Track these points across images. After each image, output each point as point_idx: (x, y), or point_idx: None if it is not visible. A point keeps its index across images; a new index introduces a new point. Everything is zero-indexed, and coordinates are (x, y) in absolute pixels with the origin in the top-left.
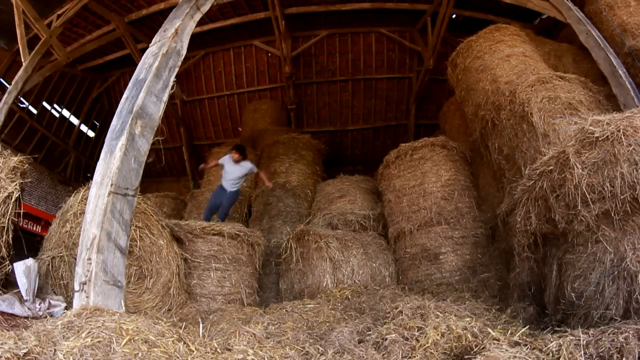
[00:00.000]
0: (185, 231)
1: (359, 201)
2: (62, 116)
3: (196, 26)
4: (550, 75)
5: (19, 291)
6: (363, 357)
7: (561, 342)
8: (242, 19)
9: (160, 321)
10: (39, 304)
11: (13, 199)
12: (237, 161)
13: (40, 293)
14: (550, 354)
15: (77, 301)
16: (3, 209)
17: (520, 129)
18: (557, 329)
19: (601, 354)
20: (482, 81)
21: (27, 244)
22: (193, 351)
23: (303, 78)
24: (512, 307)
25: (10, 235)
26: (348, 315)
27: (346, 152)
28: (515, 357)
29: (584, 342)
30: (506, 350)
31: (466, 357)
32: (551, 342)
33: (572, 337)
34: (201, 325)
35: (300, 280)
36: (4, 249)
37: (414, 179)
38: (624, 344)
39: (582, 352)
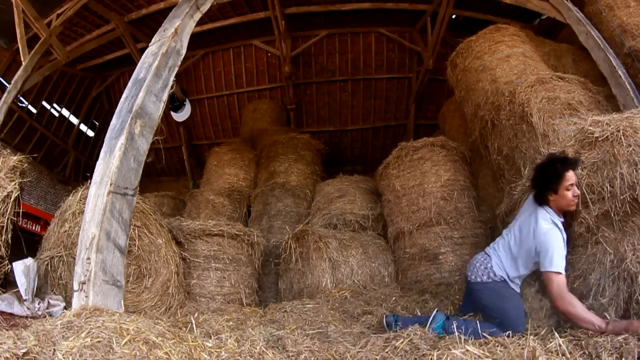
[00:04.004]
0: (184, 233)
1: (359, 201)
2: (61, 115)
3: (196, 26)
4: (549, 76)
5: (18, 291)
6: None
7: (561, 342)
8: (242, 18)
9: (160, 321)
10: (38, 304)
11: (12, 198)
12: None
13: (39, 293)
14: (550, 354)
15: (76, 301)
16: (2, 209)
17: (520, 130)
18: (557, 329)
19: (601, 354)
20: (482, 81)
21: (26, 243)
22: (193, 352)
23: (303, 78)
24: None
25: (10, 235)
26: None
27: (345, 152)
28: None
29: (584, 342)
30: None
31: None
32: (551, 342)
33: (571, 337)
34: (194, 323)
35: (300, 280)
36: (3, 249)
37: (414, 179)
38: (624, 344)
39: (582, 352)
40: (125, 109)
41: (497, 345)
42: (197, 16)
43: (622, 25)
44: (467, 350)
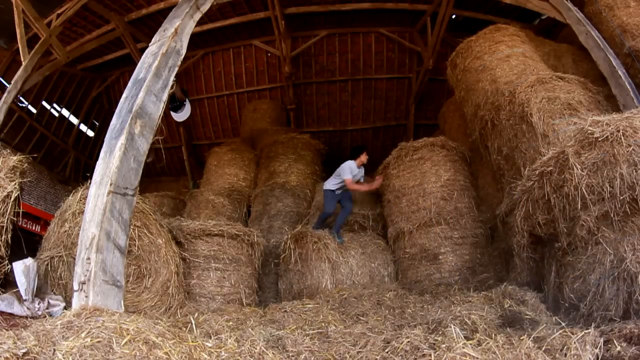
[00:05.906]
0: (184, 233)
1: (358, 201)
2: (61, 115)
3: (196, 26)
4: (549, 76)
5: (18, 291)
6: None
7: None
8: (242, 18)
9: (160, 321)
10: (38, 304)
11: (12, 198)
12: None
13: (39, 293)
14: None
15: (76, 301)
16: (2, 209)
17: (520, 130)
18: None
19: (599, 354)
20: (482, 81)
21: (26, 243)
22: (193, 352)
23: (302, 78)
24: None
25: (10, 235)
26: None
27: (346, 152)
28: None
29: (583, 342)
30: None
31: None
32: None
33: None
34: (194, 323)
35: (299, 281)
36: (3, 249)
37: (414, 179)
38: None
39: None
40: (125, 109)
41: (497, 347)
42: (197, 16)
43: (622, 25)
44: (466, 353)
